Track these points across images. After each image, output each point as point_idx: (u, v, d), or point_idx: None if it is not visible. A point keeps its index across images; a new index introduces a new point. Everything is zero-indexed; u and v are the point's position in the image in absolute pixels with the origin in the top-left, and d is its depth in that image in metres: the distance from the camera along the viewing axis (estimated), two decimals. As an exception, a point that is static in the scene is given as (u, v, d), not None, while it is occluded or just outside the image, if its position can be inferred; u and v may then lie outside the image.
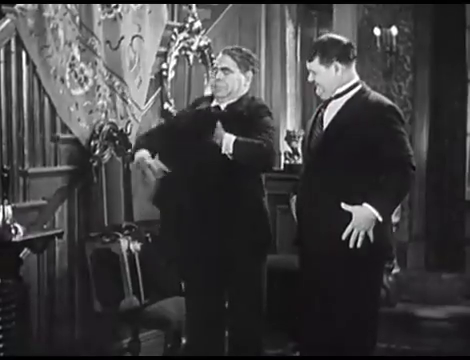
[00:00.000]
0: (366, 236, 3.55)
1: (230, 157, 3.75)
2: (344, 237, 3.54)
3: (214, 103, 4.02)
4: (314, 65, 3.71)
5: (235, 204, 3.88)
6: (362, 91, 3.71)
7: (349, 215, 3.54)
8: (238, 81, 3.97)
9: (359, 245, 3.53)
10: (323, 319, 3.68)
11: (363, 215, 3.53)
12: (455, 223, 6.92)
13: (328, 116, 3.71)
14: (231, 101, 3.98)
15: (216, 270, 3.93)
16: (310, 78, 3.76)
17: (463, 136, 6.96)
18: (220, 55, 4.04)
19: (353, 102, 3.69)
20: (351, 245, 3.53)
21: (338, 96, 3.71)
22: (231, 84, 3.95)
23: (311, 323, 3.75)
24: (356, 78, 3.75)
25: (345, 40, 3.74)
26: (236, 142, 3.74)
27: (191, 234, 3.96)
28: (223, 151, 3.74)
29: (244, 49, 4.06)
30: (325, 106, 3.75)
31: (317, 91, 3.78)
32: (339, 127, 3.64)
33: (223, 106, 3.99)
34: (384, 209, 3.56)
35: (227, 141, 3.74)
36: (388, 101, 3.72)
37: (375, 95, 3.73)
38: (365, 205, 3.54)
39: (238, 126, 3.84)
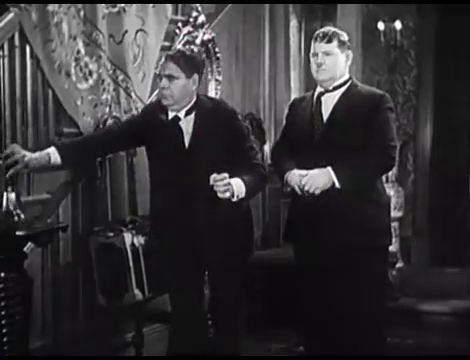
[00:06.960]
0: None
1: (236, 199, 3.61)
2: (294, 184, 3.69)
3: (171, 113, 3.82)
4: (332, 46, 3.74)
5: (211, 205, 3.74)
6: (354, 85, 3.84)
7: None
8: (184, 87, 3.74)
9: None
10: (327, 315, 3.74)
11: (318, 176, 3.61)
12: (459, 217, 6.92)
13: (325, 109, 3.79)
14: (188, 107, 3.80)
15: (195, 269, 3.91)
16: (321, 59, 3.74)
17: (467, 130, 6.96)
18: (163, 61, 3.83)
19: (347, 94, 3.79)
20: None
21: (334, 89, 3.80)
22: (177, 92, 3.72)
23: (316, 319, 3.81)
24: (348, 74, 3.86)
25: None
26: (247, 186, 3.62)
27: (169, 234, 3.90)
28: (235, 200, 3.59)
29: (188, 52, 3.85)
30: (318, 99, 3.82)
31: (321, 76, 3.78)
32: (339, 118, 3.74)
33: (181, 115, 3.80)
34: (344, 178, 3.62)
35: (238, 190, 3.59)
36: (380, 91, 3.86)
37: (365, 87, 3.89)
38: (328, 168, 3.61)
39: (212, 132, 3.76)
